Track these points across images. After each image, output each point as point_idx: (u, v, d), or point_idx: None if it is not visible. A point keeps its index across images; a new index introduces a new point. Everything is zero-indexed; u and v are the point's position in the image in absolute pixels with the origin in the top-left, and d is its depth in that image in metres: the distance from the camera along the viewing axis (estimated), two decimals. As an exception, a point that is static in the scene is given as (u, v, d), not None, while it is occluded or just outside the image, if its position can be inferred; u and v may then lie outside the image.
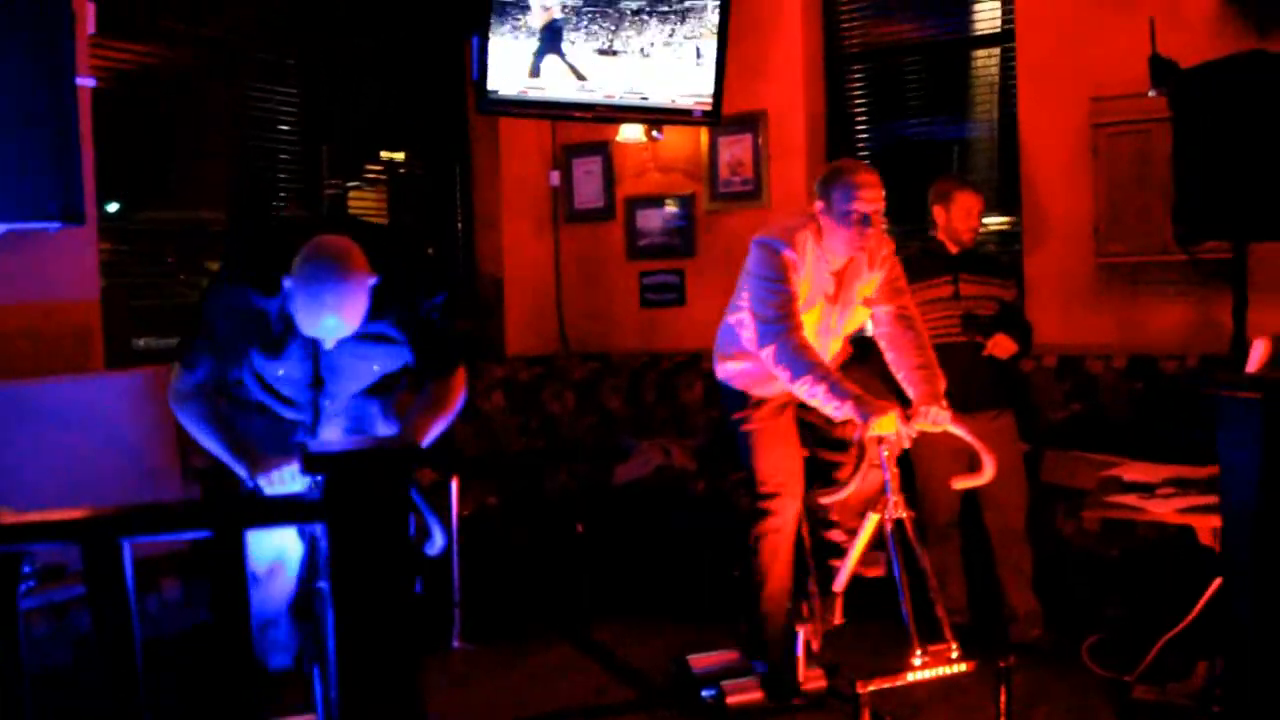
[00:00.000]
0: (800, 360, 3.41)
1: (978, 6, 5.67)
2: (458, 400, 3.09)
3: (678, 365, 5.97)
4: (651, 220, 6.21)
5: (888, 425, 3.32)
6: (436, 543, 2.94)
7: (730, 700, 3.83)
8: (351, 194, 6.34)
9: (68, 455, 4.01)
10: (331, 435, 3.08)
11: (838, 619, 3.77)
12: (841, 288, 3.66)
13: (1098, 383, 5.03)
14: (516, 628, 4.79)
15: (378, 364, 3.07)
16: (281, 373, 2.96)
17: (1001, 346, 4.32)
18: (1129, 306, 5.07)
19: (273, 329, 2.86)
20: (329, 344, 2.82)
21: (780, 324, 3.47)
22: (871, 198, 3.53)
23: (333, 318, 2.72)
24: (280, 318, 2.85)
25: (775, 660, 3.81)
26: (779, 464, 3.73)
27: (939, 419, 3.44)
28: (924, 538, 4.40)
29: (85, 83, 4.38)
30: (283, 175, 5.78)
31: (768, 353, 3.48)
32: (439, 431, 3.07)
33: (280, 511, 1.64)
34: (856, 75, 5.93)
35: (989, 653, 3.37)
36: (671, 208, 6.14)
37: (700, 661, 4.06)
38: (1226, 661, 2.78)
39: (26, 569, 3.05)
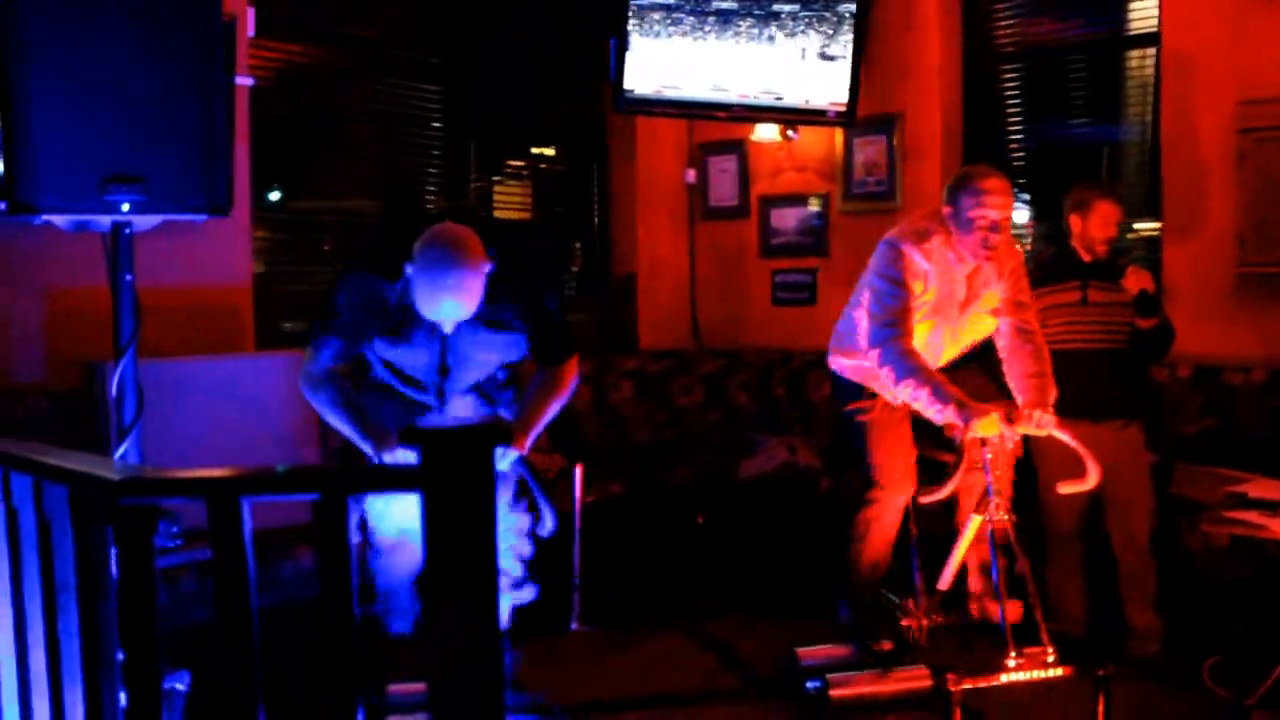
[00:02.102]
0: (905, 363, 3.46)
1: (1132, 5, 5.51)
2: (569, 386, 3.23)
3: (807, 364, 6.00)
4: (785, 219, 6.27)
5: (989, 427, 3.33)
6: (547, 525, 3.08)
7: (834, 693, 3.86)
8: (497, 189, 6.57)
9: (216, 429, 4.29)
10: (457, 415, 3.25)
11: (942, 617, 3.78)
12: (971, 293, 3.68)
13: (1235, 396, 4.88)
14: (634, 613, 4.91)
15: (499, 353, 3.23)
16: (409, 358, 3.15)
17: (1138, 277, 4.23)
18: (1271, 319, 4.91)
19: (394, 314, 3.04)
20: (448, 327, 2.99)
21: (892, 328, 3.52)
22: (998, 204, 3.53)
23: (450, 301, 2.88)
24: (401, 304, 3.03)
25: (861, 608, 3.86)
26: (893, 458, 3.78)
27: (1043, 422, 3.43)
28: (1045, 547, 4.44)
29: (244, 81, 4.67)
30: (432, 170, 6.03)
31: (875, 354, 3.53)
32: (552, 415, 3.22)
33: (381, 479, 1.78)
34: (999, 76, 5.86)
35: (1090, 661, 3.34)
36: (813, 207, 6.18)
37: (809, 654, 4.11)
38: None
39: (174, 529, 3.32)
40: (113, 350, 4.13)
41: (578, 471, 4.82)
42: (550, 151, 6.70)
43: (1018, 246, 3.76)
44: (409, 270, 2.92)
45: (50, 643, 1.98)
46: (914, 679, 3.86)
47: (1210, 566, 4.44)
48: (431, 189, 6.08)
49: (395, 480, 1.77)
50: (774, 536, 5.18)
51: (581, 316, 6.48)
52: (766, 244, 6.33)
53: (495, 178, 6.56)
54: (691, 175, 6.49)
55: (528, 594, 3.32)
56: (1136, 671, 4.19)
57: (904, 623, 3.86)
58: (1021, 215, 5.92)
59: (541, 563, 4.87)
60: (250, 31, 4.80)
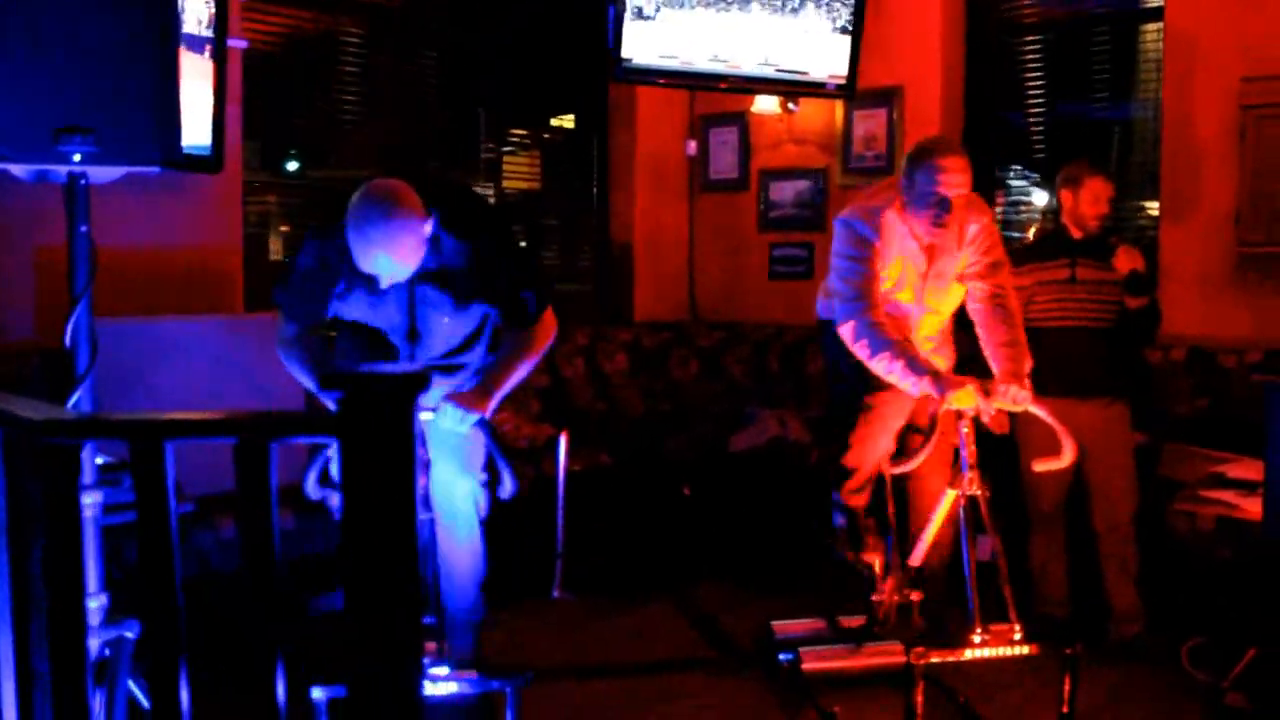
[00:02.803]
0: (877, 337, 3.44)
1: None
2: (540, 347, 3.22)
3: (802, 337, 5.97)
4: (784, 192, 6.24)
5: (965, 399, 3.31)
6: (506, 487, 3.07)
7: (806, 666, 3.86)
8: (506, 159, 6.57)
9: (205, 388, 4.31)
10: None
11: (915, 594, 3.77)
12: (932, 263, 3.65)
13: (1229, 378, 4.83)
14: (616, 583, 4.92)
15: (464, 317, 3.21)
16: (374, 320, 3.14)
17: (1129, 256, 4.19)
18: (1268, 300, 4.85)
19: (349, 275, 3.01)
20: (384, 282, 2.95)
21: (859, 302, 3.50)
22: (954, 183, 3.48)
23: (382, 254, 2.84)
24: (349, 261, 2.98)
25: (849, 514, 3.89)
26: (871, 452, 3.79)
27: (1019, 397, 3.40)
28: (1028, 526, 4.41)
29: (237, 44, 4.69)
30: (439, 140, 6.03)
31: (846, 330, 3.51)
32: (519, 376, 3.20)
33: (300, 424, 1.79)
34: (1003, 49, 5.80)
35: (1058, 640, 3.33)
36: (810, 180, 6.16)
37: (784, 628, 4.11)
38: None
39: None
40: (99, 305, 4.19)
41: (562, 440, 4.82)
42: (567, 121, 6.68)
43: (984, 205, 3.70)
44: (345, 224, 2.88)
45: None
46: (885, 654, 3.85)
47: (1195, 548, 4.40)
48: (439, 159, 6.08)
49: (313, 426, 1.77)
50: (761, 510, 5.18)
51: (577, 287, 6.48)
52: (765, 217, 6.30)
53: (505, 148, 6.56)
54: (692, 147, 6.46)
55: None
56: (1117, 653, 4.19)
57: (875, 598, 3.85)
58: (1035, 193, 5.89)
59: (523, 531, 4.93)
60: (245, -7, 4.81)
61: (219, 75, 4.50)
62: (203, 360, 4.34)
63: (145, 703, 2.62)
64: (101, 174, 2.50)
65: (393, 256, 2.87)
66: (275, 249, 5.33)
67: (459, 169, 6.22)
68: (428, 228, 2.92)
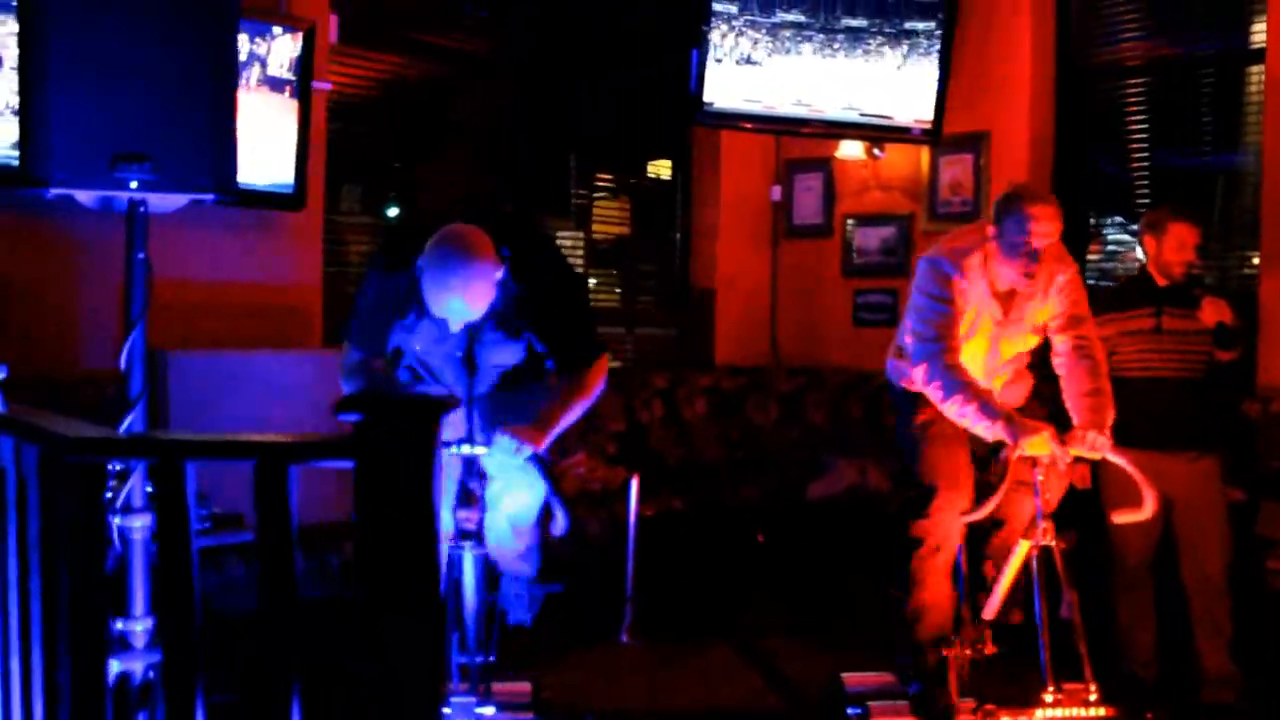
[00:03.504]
0: (952, 379, 3.34)
1: (1250, 18, 5.21)
2: (594, 389, 3.22)
3: (884, 385, 5.85)
4: (869, 239, 6.15)
5: (1040, 446, 3.19)
6: (559, 524, 3.05)
7: (875, 720, 3.74)
8: (596, 205, 6.60)
9: (280, 421, 4.35)
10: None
11: (989, 648, 3.62)
12: (1010, 312, 3.54)
13: (1334, 433, 4.60)
14: (686, 629, 4.83)
15: (512, 356, 3.22)
16: (431, 352, 3.16)
17: (1215, 308, 4.02)
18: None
19: (409, 309, 3.05)
20: (454, 326, 2.99)
21: (936, 344, 3.41)
22: (1044, 231, 3.39)
23: (458, 300, 2.89)
24: (413, 295, 3.04)
25: (926, 680, 3.70)
26: (949, 463, 3.64)
27: (1097, 444, 3.27)
28: (1113, 583, 4.22)
29: (321, 86, 4.80)
30: (528, 182, 6.07)
31: (920, 371, 3.43)
32: (573, 417, 3.19)
33: (315, 449, 1.77)
34: (1097, 94, 5.66)
35: (1138, 703, 3.16)
36: (895, 227, 6.07)
37: (855, 680, 3.96)
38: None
39: (204, 511, 3.38)
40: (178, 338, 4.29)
41: (634, 483, 4.77)
42: (657, 168, 6.69)
43: (1069, 257, 3.58)
44: (420, 265, 2.93)
45: (22, 601, 2.01)
46: (960, 712, 3.70)
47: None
48: (524, 200, 6.13)
49: (328, 450, 1.75)
50: (836, 559, 5.06)
51: (659, 330, 6.45)
52: (849, 263, 6.22)
53: (597, 194, 6.59)
54: (777, 192, 6.42)
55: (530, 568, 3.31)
56: (1209, 719, 3.98)
57: (946, 652, 3.70)
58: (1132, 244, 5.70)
59: (594, 574, 4.88)
60: (333, 38, 4.91)
61: (303, 116, 4.63)
62: (278, 393, 4.39)
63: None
64: (162, 203, 2.54)
65: (467, 301, 2.92)
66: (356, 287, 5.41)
67: (549, 214, 6.26)
68: (500, 274, 2.95)
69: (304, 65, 4.56)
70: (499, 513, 3.47)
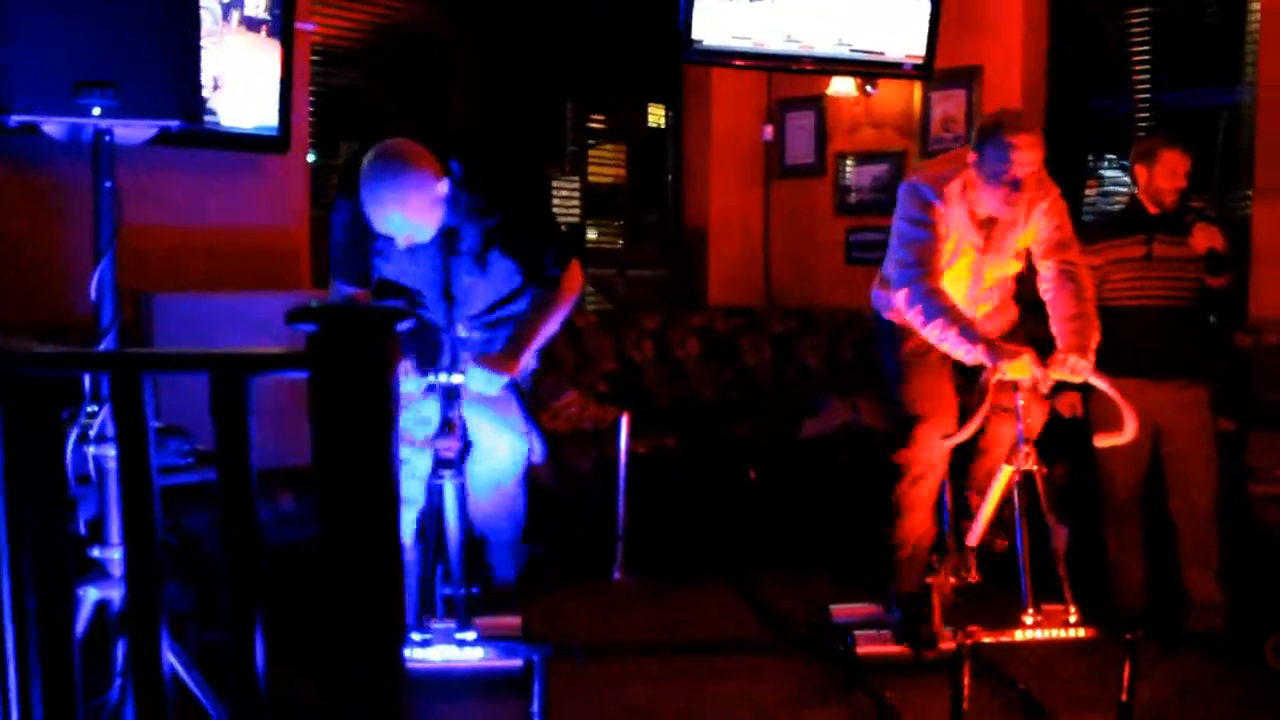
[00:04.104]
0: (933, 304, 3.33)
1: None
2: (565, 301, 3.19)
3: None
4: (861, 177, 6.11)
5: (1020, 370, 3.18)
6: (536, 451, 3.05)
7: (860, 650, 3.75)
8: (592, 150, 6.56)
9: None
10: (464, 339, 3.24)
11: (973, 576, 3.63)
12: (991, 239, 3.52)
13: (1325, 363, 4.58)
14: (677, 566, 4.85)
15: (498, 277, 3.19)
16: (410, 278, 3.15)
17: (1206, 234, 3.99)
18: (1368, 281, 4.58)
19: (373, 230, 3.02)
20: (400, 243, 2.95)
21: (918, 269, 3.40)
22: (1026, 160, 3.34)
23: (396, 215, 2.84)
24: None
25: (909, 607, 3.72)
26: (932, 389, 3.64)
27: (1078, 367, 3.25)
28: (1102, 514, 4.23)
29: (304, 27, 4.76)
30: (522, 127, 6.02)
31: (902, 296, 3.42)
32: (547, 333, 3.18)
33: (270, 361, 1.77)
34: (1091, 29, 5.58)
35: (1117, 624, 3.17)
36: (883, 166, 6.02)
37: (841, 612, 3.99)
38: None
39: (186, 447, 3.38)
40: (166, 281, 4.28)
41: (624, 421, 4.77)
42: (658, 112, 6.63)
43: (1051, 182, 3.54)
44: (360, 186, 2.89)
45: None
46: (943, 640, 3.72)
47: (1283, 539, 4.18)
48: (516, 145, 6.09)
49: (283, 361, 1.74)
50: (829, 495, 5.06)
51: (651, 271, 6.43)
52: (842, 201, 6.19)
53: (590, 141, 6.55)
54: (769, 131, 6.37)
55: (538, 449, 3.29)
56: (1195, 646, 3.99)
57: (930, 580, 3.72)
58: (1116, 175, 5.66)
59: (585, 512, 4.90)
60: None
61: (286, 58, 4.59)
62: (265, 335, 4.36)
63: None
64: (129, 134, 2.52)
65: (406, 215, 2.87)
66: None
67: (545, 162, 6.23)
68: (442, 187, 2.91)
69: (286, 5, 4.51)
70: (485, 469, 3.44)
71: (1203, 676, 3.78)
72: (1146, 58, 5.48)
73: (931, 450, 3.60)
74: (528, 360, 3.14)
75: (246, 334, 4.40)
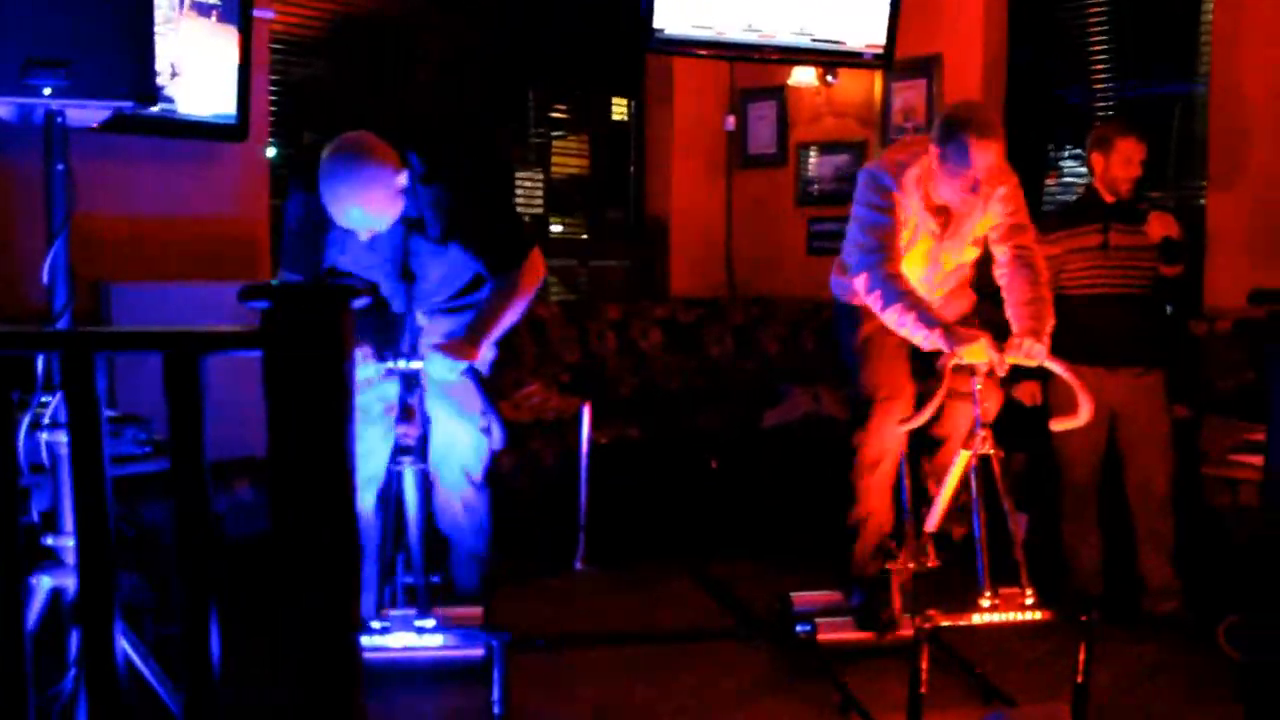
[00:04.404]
0: (891, 289, 3.34)
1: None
2: (525, 290, 3.18)
3: (839, 313, 5.87)
4: (823, 167, 6.14)
5: (977, 354, 3.20)
6: (495, 438, 3.04)
7: (821, 636, 3.78)
8: (555, 142, 6.54)
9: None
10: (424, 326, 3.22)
11: (931, 561, 3.65)
12: (949, 226, 3.53)
13: (1277, 351, 4.63)
14: (640, 556, 4.86)
15: (457, 266, 3.18)
16: (366, 266, 3.13)
17: (1161, 223, 4.06)
18: (1323, 270, 4.65)
19: (330, 222, 3.01)
20: (362, 235, 2.95)
21: (876, 254, 3.40)
22: (988, 164, 3.34)
23: (356, 208, 2.84)
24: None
25: (868, 591, 3.74)
26: (889, 373, 3.66)
27: (1033, 351, 3.27)
28: (1059, 500, 4.27)
29: (263, 14, 4.72)
30: (485, 114, 5.99)
31: (860, 280, 3.43)
32: (507, 322, 3.17)
33: (224, 340, 1.75)
34: (1051, 19, 5.62)
35: (1073, 607, 3.21)
36: (844, 156, 6.04)
37: (802, 599, 4.01)
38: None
39: (143, 436, 3.35)
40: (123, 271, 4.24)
41: (585, 411, 4.77)
42: (620, 105, 6.62)
43: (1009, 170, 3.55)
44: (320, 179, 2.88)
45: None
46: (903, 627, 3.74)
47: (1236, 523, 4.23)
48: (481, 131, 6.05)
49: (239, 340, 1.73)
50: (790, 484, 5.08)
51: (614, 262, 6.43)
52: (804, 192, 6.20)
53: (555, 132, 6.53)
54: (731, 122, 6.38)
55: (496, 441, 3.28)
56: (1151, 630, 4.04)
57: (890, 566, 3.74)
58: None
59: (548, 503, 4.89)
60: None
61: (244, 45, 4.55)
62: (225, 321, 4.34)
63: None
64: (82, 117, 2.49)
65: (365, 209, 2.87)
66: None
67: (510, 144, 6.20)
68: (402, 179, 2.91)
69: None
70: (450, 465, 3.43)
71: (1158, 659, 3.82)
72: (1105, 48, 5.54)
73: (888, 434, 3.62)
74: (487, 349, 3.13)
75: (206, 324, 4.39)
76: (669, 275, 6.40)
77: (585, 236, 6.63)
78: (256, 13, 4.63)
